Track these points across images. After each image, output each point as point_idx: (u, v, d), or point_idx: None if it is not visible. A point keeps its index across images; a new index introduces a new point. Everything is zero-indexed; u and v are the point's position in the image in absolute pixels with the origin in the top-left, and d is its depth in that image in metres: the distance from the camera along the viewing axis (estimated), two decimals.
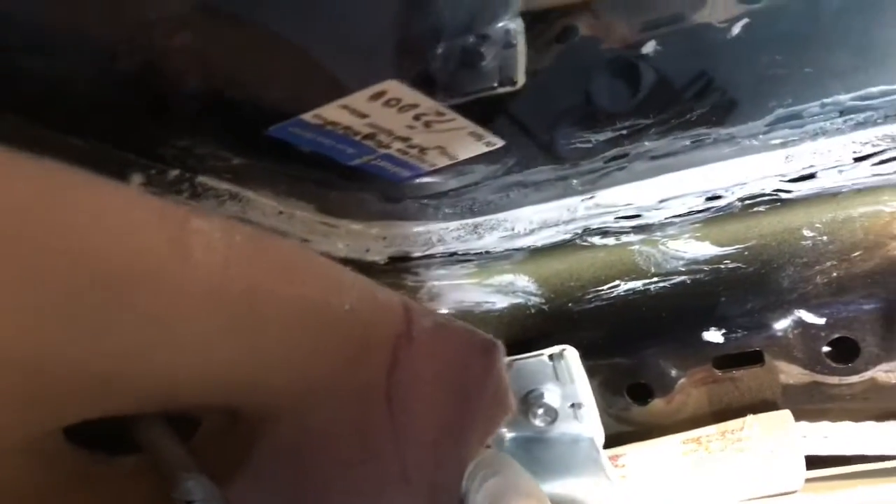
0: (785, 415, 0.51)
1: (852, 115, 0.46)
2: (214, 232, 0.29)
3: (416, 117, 0.35)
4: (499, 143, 0.39)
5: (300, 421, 0.41)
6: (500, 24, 0.42)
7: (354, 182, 0.46)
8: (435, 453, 0.43)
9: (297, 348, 0.36)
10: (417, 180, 0.48)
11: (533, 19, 0.46)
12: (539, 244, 0.52)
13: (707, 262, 0.52)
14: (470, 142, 0.38)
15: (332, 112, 0.32)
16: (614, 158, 0.49)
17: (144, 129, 0.32)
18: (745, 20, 0.48)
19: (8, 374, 0.28)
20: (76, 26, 0.27)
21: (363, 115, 0.33)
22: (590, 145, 0.50)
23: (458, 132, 0.37)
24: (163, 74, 0.29)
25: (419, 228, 0.52)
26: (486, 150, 0.40)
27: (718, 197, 0.49)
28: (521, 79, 0.41)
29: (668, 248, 0.52)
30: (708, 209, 0.50)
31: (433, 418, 0.43)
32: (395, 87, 0.31)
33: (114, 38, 0.28)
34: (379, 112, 0.33)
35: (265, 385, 0.37)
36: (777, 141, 0.47)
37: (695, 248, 0.52)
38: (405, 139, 0.37)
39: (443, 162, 0.41)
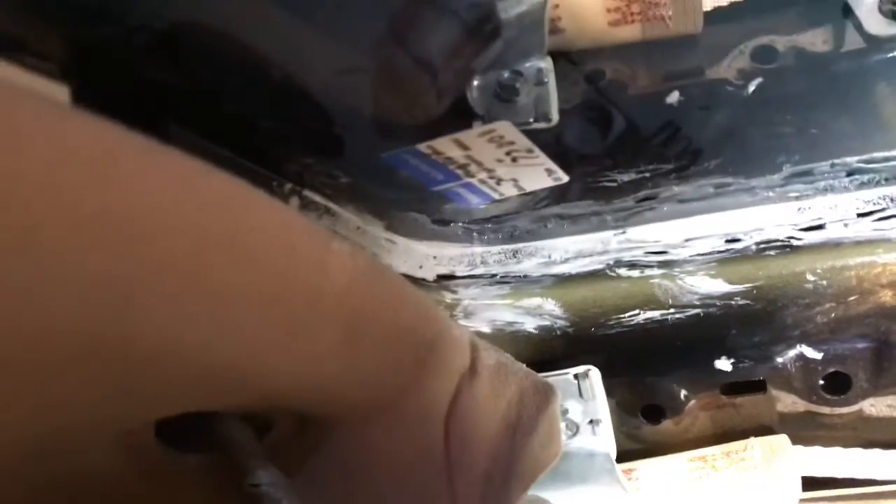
0: (783, 439, 0.57)
1: (857, 176, 0.53)
2: (345, 254, 0.33)
3: (509, 153, 0.40)
4: (565, 178, 0.44)
5: (363, 433, 0.44)
6: (531, 63, 0.47)
7: (417, 205, 0.51)
8: (484, 488, 0.47)
9: (382, 367, 0.40)
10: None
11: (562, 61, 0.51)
12: (573, 272, 0.57)
13: (719, 297, 0.58)
14: (542, 176, 0.43)
15: (444, 144, 0.37)
16: (645, 199, 0.55)
17: (276, 145, 0.37)
18: (759, 79, 0.54)
19: (145, 365, 0.30)
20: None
21: (467, 148, 0.38)
22: (615, 185, 0.55)
23: (536, 168, 0.42)
24: (315, 109, 0.34)
25: (465, 250, 0.56)
26: (553, 183, 0.45)
27: (738, 240, 0.55)
28: (555, 116, 0.46)
29: (685, 282, 0.58)
30: (728, 250, 0.55)
31: (486, 453, 0.46)
32: (505, 128, 0.36)
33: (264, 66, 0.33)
34: (481, 147, 0.38)
35: (347, 397, 0.41)
36: (793, 194, 0.53)
37: (709, 285, 0.58)
38: (490, 170, 0.42)
39: (512, 192, 0.46)
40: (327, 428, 0.45)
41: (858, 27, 0.48)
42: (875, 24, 0.49)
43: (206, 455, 0.44)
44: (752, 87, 0.55)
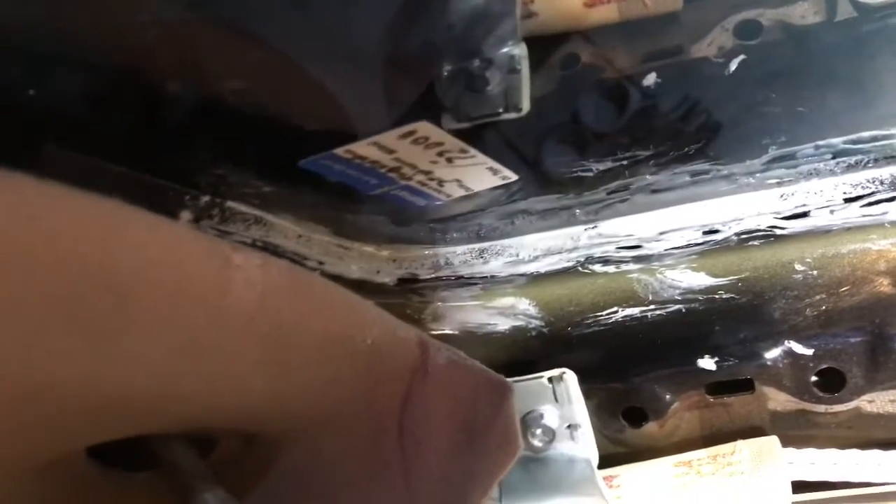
0: (773, 441, 0.53)
1: (844, 158, 0.49)
2: (253, 268, 0.31)
3: (440, 154, 0.37)
4: (513, 177, 0.41)
5: (313, 446, 0.43)
6: (505, 50, 0.44)
7: (369, 207, 0.48)
8: (442, 489, 0.45)
9: (318, 378, 0.38)
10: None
11: (536, 46, 0.48)
12: (542, 270, 0.54)
13: (702, 291, 0.54)
14: (487, 176, 0.40)
15: (363, 148, 0.34)
16: (616, 191, 0.52)
17: (183, 158, 0.34)
18: (742, 56, 0.50)
19: (44, 400, 0.29)
20: (124, 58, 0.29)
21: (391, 151, 0.35)
22: (591, 174, 0.52)
23: (477, 167, 0.39)
24: (207, 113, 0.31)
25: (427, 252, 0.53)
26: (501, 182, 0.42)
27: (716, 231, 0.51)
28: (526, 105, 0.43)
29: (665, 277, 0.54)
30: (705, 242, 0.52)
31: (442, 453, 0.45)
32: (424, 128, 0.33)
33: (162, 76, 0.30)
34: (406, 149, 0.35)
35: (286, 412, 0.39)
36: (773, 180, 0.49)
37: (691, 279, 0.54)
38: (427, 172, 0.39)
39: (458, 193, 0.43)
40: (276, 443, 0.43)
41: None
42: None
43: (154, 473, 0.42)
44: (733, 66, 0.52)
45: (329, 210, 0.45)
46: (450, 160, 0.37)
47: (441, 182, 0.40)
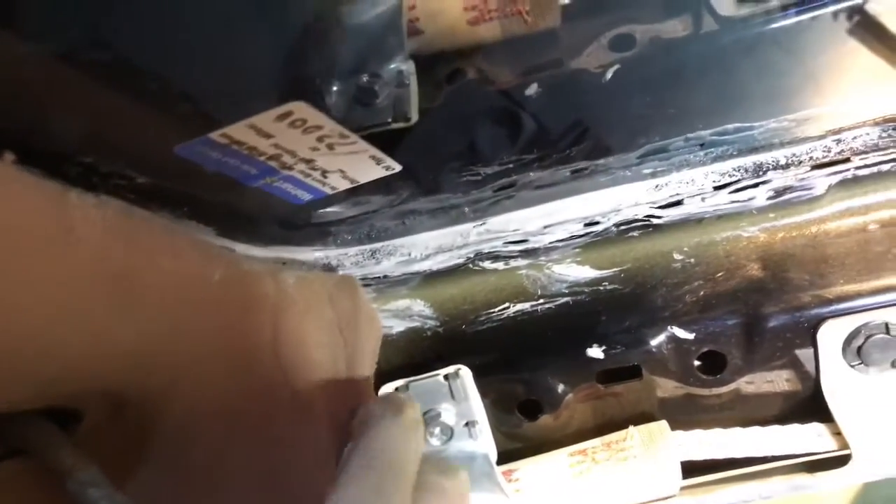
0: (662, 425, 0.55)
1: (712, 149, 0.52)
2: (90, 207, 0.31)
3: (320, 139, 0.37)
4: (397, 167, 0.41)
5: (191, 403, 0.41)
6: (393, 66, 0.45)
7: (255, 206, 0.47)
8: (332, 386, 0.47)
9: (176, 322, 0.37)
10: (316, 209, 0.50)
11: (424, 62, 0.49)
12: (435, 268, 0.55)
13: (587, 284, 0.56)
14: (370, 165, 0.41)
15: (239, 131, 0.34)
16: (502, 188, 0.53)
17: (45, 143, 0.33)
18: (617, 66, 0.53)
19: None
20: None
21: (269, 136, 0.35)
22: (479, 178, 0.53)
23: (359, 155, 0.39)
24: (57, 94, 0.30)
25: (318, 254, 0.53)
26: (385, 173, 0.42)
27: (596, 223, 0.53)
28: (414, 115, 0.44)
29: (552, 271, 0.56)
30: (587, 234, 0.54)
31: (322, 359, 0.46)
32: (300, 108, 0.33)
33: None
34: (284, 133, 0.35)
35: (149, 363, 0.37)
36: (647, 171, 0.52)
37: (576, 272, 0.56)
38: (308, 161, 0.39)
39: (343, 185, 0.43)
40: (152, 404, 0.41)
41: (712, 11, 0.47)
42: (727, 5, 0.50)
43: (13, 462, 0.39)
44: (609, 75, 0.54)
45: (212, 208, 0.44)
46: (331, 146, 0.37)
47: (325, 173, 0.40)
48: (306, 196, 0.43)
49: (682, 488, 0.54)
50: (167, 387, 0.41)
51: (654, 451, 0.53)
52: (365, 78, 0.44)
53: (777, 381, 0.56)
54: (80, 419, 0.40)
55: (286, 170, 0.39)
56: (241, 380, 0.44)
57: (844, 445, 0.52)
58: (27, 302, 0.29)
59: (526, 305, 0.56)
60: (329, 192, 0.43)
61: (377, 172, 0.43)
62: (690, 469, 0.55)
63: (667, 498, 0.53)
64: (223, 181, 0.41)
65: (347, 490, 0.34)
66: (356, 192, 0.47)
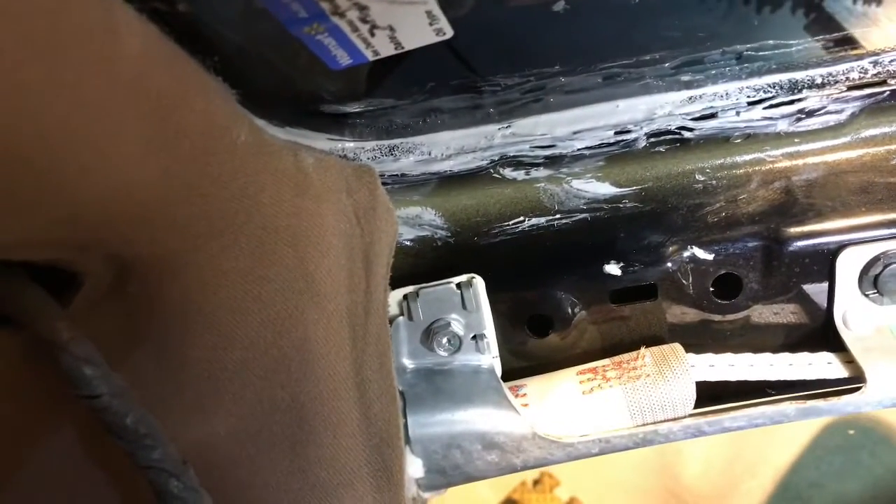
0: (675, 346, 0.54)
1: (748, 63, 0.51)
2: (133, 16, 0.28)
3: None
4: (449, 31, 0.39)
5: (199, 273, 0.37)
6: None
7: (286, 69, 0.44)
8: (345, 276, 0.45)
9: (201, 175, 0.34)
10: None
11: None
12: (456, 169, 0.52)
13: (607, 201, 0.54)
14: (422, 25, 0.38)
15: None
16: (531, 90, 0.51)
17: None
18: None
19: None
20: None
21: None
22: (511, 81, 0.50)
23: (415, 7, 0.36)
24: None
25: (334, 145, 0.50)
26: (436, 39, 0.39)
27: (628, 131, 0.52)
28: None
29: (571, 186, 0.54)
30: (618, 143, 0.52)
31: (338, 245, 0.44)
32: None
33: None
34: None
35: (169, 221, 0.34)
36: (683, 79, 0.50)
37: (596, 188, 0.54)
38: (363, 7, 0.36)
39: (388, 51, 0.40)
40: (160, 274, 0.37)
41: None
42: None
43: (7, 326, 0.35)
44: None
45: (242, 64, 0.41)
46: None
47: (374, 28, 0.38)
48: (345, 59, 0.40)
49: (692, 414, 0.53)
50: (179, 253, 0.37)
51: (667, 370, 0.52)
52: None
53: (786, 312, 0.56)
54: (77, 288, 0.36)
55: (337, 16, 0.36)
56: (255, 259, 0.41)
57: (855, 373, 0.52)
58: (61, 107, 0.25)
59: (541, 220, 0.54)
60: (370, 56, 0.40)
61: (426, 37, 0.40)
62: (700, 395, 0.54)
63: (679, 418, 0.52)
64: (263, 28, 0.37)
65: None
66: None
